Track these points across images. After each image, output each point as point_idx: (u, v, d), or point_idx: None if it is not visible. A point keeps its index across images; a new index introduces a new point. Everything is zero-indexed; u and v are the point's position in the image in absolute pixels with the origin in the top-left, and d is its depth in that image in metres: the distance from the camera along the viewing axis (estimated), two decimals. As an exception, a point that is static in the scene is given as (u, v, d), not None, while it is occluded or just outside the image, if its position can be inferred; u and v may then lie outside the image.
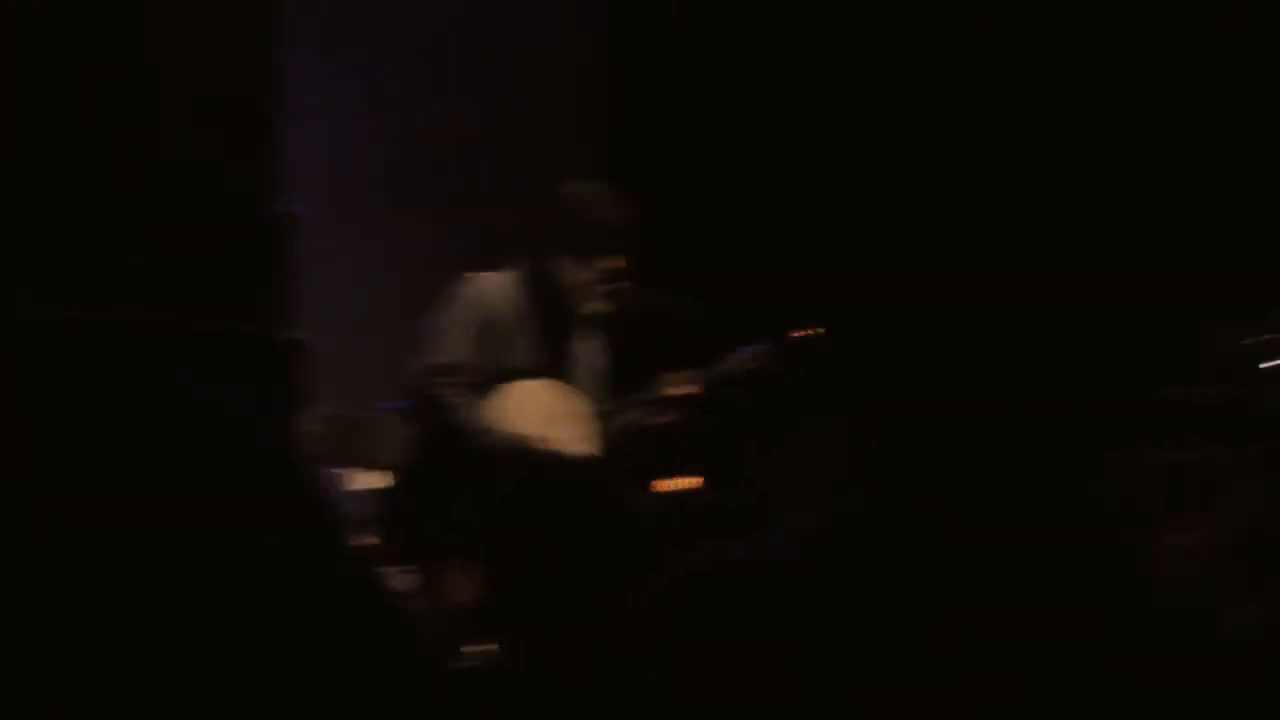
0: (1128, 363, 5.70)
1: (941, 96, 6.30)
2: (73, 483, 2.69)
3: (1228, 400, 5.20)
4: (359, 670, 2.47)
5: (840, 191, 6.38)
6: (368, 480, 5.53)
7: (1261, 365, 5.34)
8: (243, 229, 3.44)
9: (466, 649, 4.65)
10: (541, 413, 4.40)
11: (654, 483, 5.33)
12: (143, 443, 2.85)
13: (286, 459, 3.10)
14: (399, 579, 4.88)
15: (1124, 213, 6.06)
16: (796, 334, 4.58)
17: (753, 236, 6.44)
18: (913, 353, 6.14)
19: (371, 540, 4.60)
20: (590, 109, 6.90)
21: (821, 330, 4.57)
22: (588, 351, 4.61)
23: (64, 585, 2.50)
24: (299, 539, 2.92)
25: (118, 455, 2.80)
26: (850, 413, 5.32)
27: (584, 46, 7.03)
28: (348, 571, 2.85)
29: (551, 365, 4.47)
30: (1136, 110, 6.06)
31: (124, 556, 2.66)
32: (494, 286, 4.44)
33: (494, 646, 4.24)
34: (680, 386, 4.53)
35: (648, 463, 4.67)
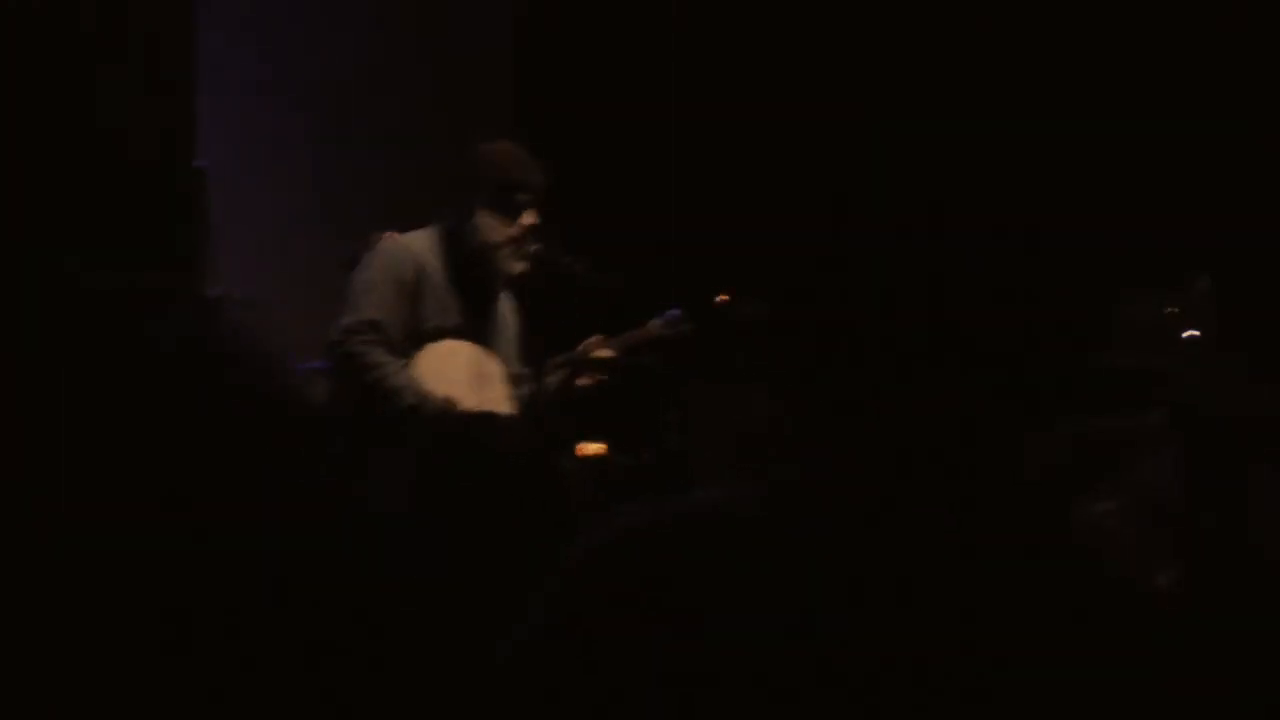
0: (1049, 330, 5.73)
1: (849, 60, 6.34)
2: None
3: (1144, 368, 5.23)
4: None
5: (774, 152, 6.38)
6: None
7: (1184, 335, 5.39)
8: (151, 185, 3.38)
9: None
10: (460, 374, 4.36)
11: (577, 447, 5.32)
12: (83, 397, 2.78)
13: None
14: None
15: (1048, 181, 6.09)
16: (718, 300, 4.56)
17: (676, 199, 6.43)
18: (842, 321, 6.14)
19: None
20: (497, 65, 6.86)
21: (728, 297, 4.55)
22: (504, 313, 4.58)
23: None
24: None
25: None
26: (776, 379, 5.31)
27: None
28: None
29: (470, 326, 4.43)
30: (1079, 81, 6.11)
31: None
32: (414, 245, 4.40)
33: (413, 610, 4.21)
34: (595, 351, 4.50)
35: (564, 427, 4.64)
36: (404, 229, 4.51)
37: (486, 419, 4.28)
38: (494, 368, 4.46)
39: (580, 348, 4.50)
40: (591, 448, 5.33)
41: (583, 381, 4.49)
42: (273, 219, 6.20)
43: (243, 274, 5.11)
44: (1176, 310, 5.45)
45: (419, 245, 4.39)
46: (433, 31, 6.79)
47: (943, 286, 6.05)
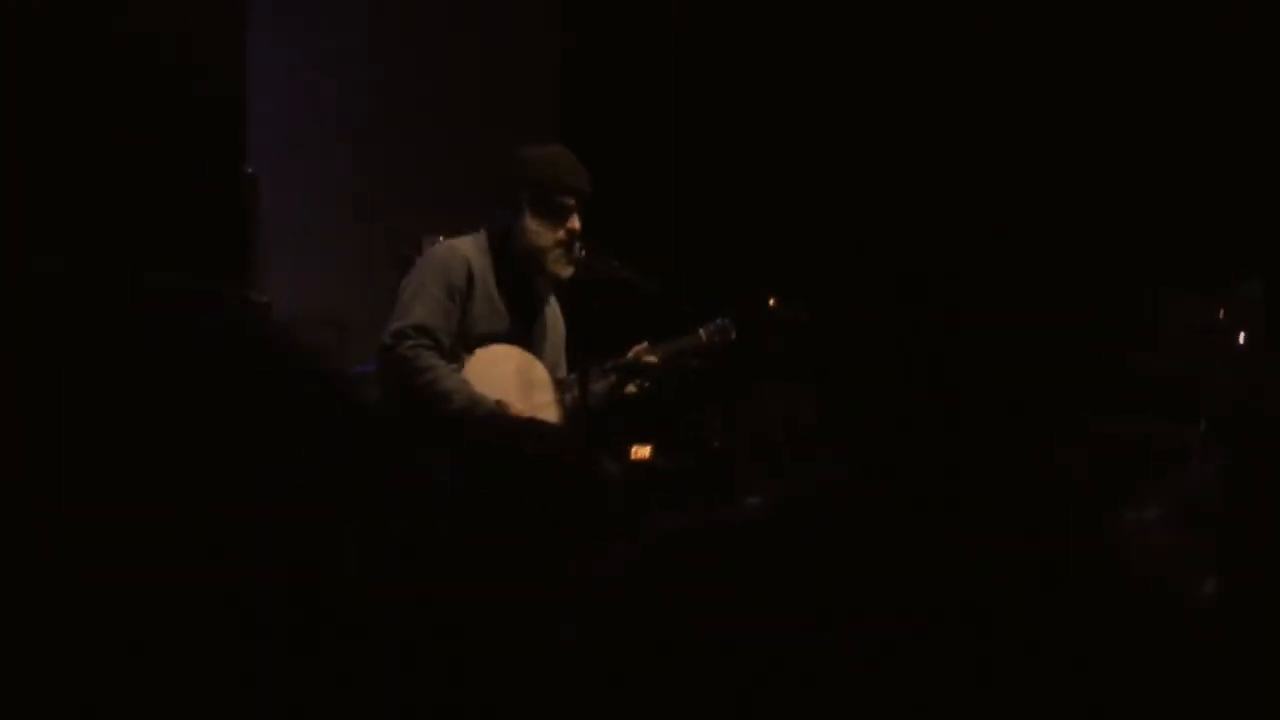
0: (1091, 334, 5.72)
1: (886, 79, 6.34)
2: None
3: (1189, 373, 5.22)
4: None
5: (806, 167, 6.40)
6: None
7: (1232, 338, 5.37)
8: (205, 192, 3.43)
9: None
10: (509, 379, 4.38)
11: (631, 450, 5.35)
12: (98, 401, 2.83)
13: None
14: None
15: (1091, 187, 6.08)
16: (766, 305, 4.59)
17: (716, 210, 6.47)
18: (882, 325, 6.16)
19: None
20: (545, 75, 6.89)
21: (775, 303, 4.57)
22: (551, 318, 4.60)
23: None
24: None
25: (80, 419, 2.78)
26: (819, 381, 5.34)
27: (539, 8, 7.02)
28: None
29: (518, 330, 4.46)
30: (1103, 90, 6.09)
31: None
32: (463, 249, 4.41)
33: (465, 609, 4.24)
34: (643, 357, 4.52)
35: (611, 433, 4.67)
36: (453, 233, 4.55)
37: (533, 426, 4.30)
38: (542, 373, 4.48)
39: (629, 354, 4.52)
40: (642, 451, 5.37)
41: (630, 388, 4.51)
42: (322, 224, 6.24)
43: (293, 279, 5.17)
44: (1224, 313, 5.44)
45: (468, 250, 4.41)
46: (480, 34, 6.82)
47: (979, 289, 6.04)
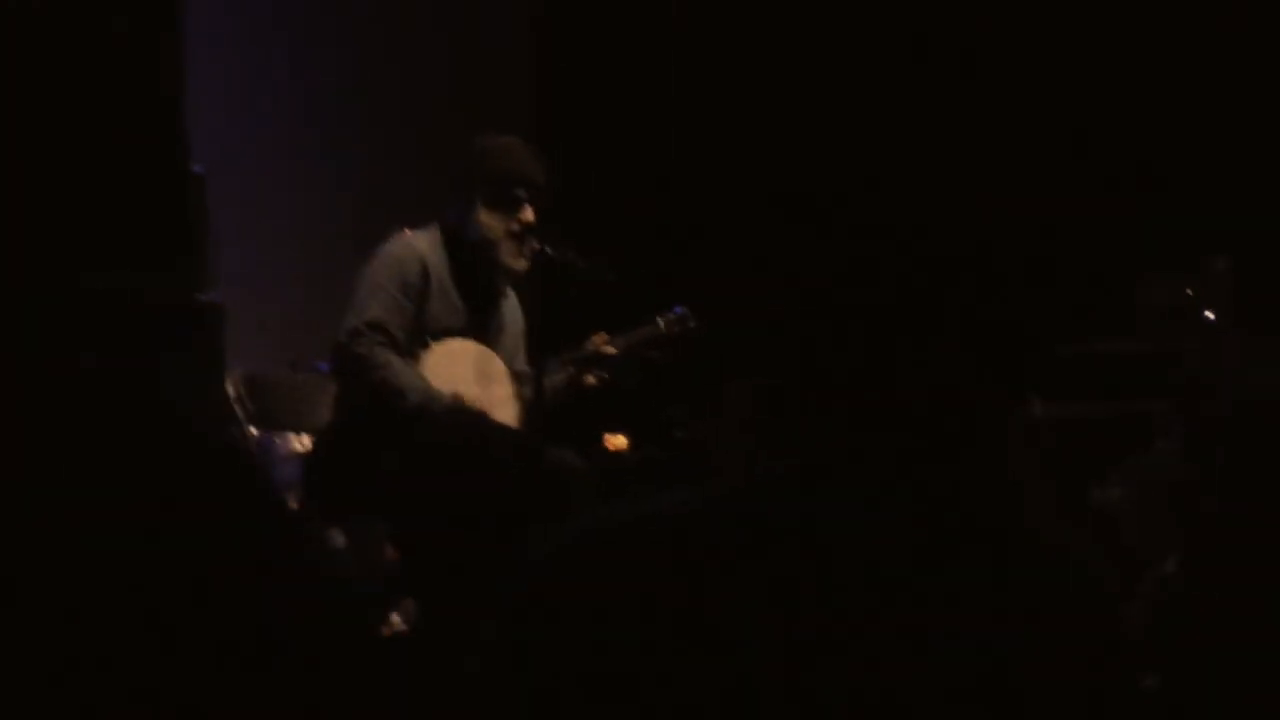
0: (1063, 314, 5.69)
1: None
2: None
3: (1159, 352, 5.20)
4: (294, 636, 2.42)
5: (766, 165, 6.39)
6: (292, 442, 5.48)
7: (1205, 315, 5.34)
8: (155, 190, 3.39)
9: (390, 611, 4.62)
10: (467, 372, 4.35)
11: (604, 439, 5.31)
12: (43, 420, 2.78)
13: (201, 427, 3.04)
14: (326, 540, 4.83)
15: (1064, 163, 6.05)
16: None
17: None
18: (844, 316, 6.12)
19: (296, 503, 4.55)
20: (514, 66, 6.86)
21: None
22: (508, 310, 4.56)
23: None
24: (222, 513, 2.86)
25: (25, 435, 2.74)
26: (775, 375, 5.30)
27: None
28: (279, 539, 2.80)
29: (474, 324, 4.42)
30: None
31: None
32: (418, 243, 4.36)
33: (412, 607, 4.21)
34: (600, 348, 4.48)
35: (570, 425, 4.62)
36: (408, 226, 4.50)
37: (488, 422, 4.26)
38: (499, 366, 4.44)
39: (587, 345, 4.48)
40: (616, 440, 5.34)
41: (589, 379, 4.47)
42: (275, 222, 6.21)
43: (246, 278, 5.13)
44: (1193, 293, 5.41)
45: (422, 244, 4.37)
46: (448, 29, 6.79)
47: (950, 269, 6.00)
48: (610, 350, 4.45)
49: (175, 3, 3.46)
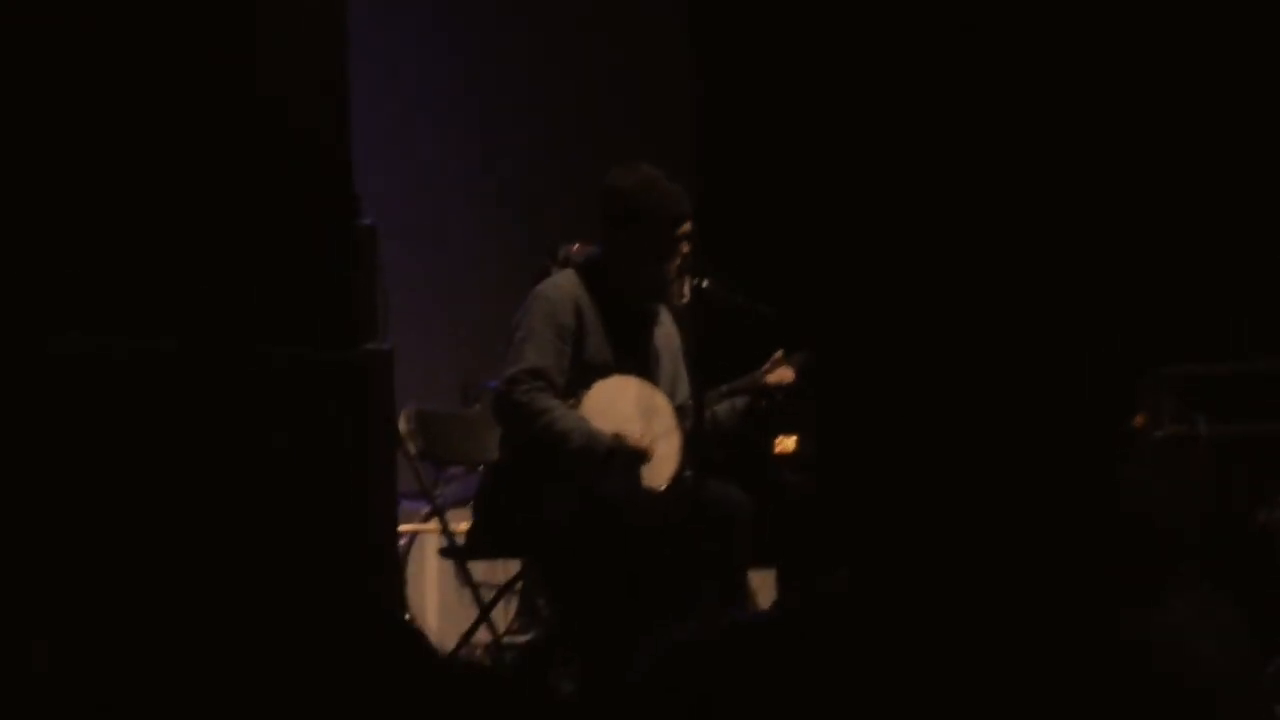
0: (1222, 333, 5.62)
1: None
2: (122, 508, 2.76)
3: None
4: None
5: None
6: (458, 474, 5.62)
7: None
8: (326, 246, 3.48)
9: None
10: (630, 408, 4.38)
11: (776, 443, 5.38)
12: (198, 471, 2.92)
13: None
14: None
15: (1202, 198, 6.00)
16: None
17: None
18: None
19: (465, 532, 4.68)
20: (669, 108, 6.91)
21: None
22: (663, 343, 4.57)
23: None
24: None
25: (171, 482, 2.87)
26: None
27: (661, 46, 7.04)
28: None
29: (630, 359, 4.45)
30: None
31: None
32: (567, 286, 4.41)
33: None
34: (777, 372, 4.50)
35: (732, 454, 4.68)
36: (588, 242, 4.58)
37: (635, 494, 4.31)
38: (661, 400, 4.48)
39: (766, 368, 4.51)
40: (787, 442, 5.40)
41: (768, 403, 4.51)
42: (441, 269, 6.34)
43: (415, 324, 5.24)
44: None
45: (572, 285, 4.41)
46: (609, 75, 6.86)
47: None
48: (786, 377, 4.48)
49: (343, 59, 3.54)
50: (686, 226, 4.40)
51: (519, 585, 5.09)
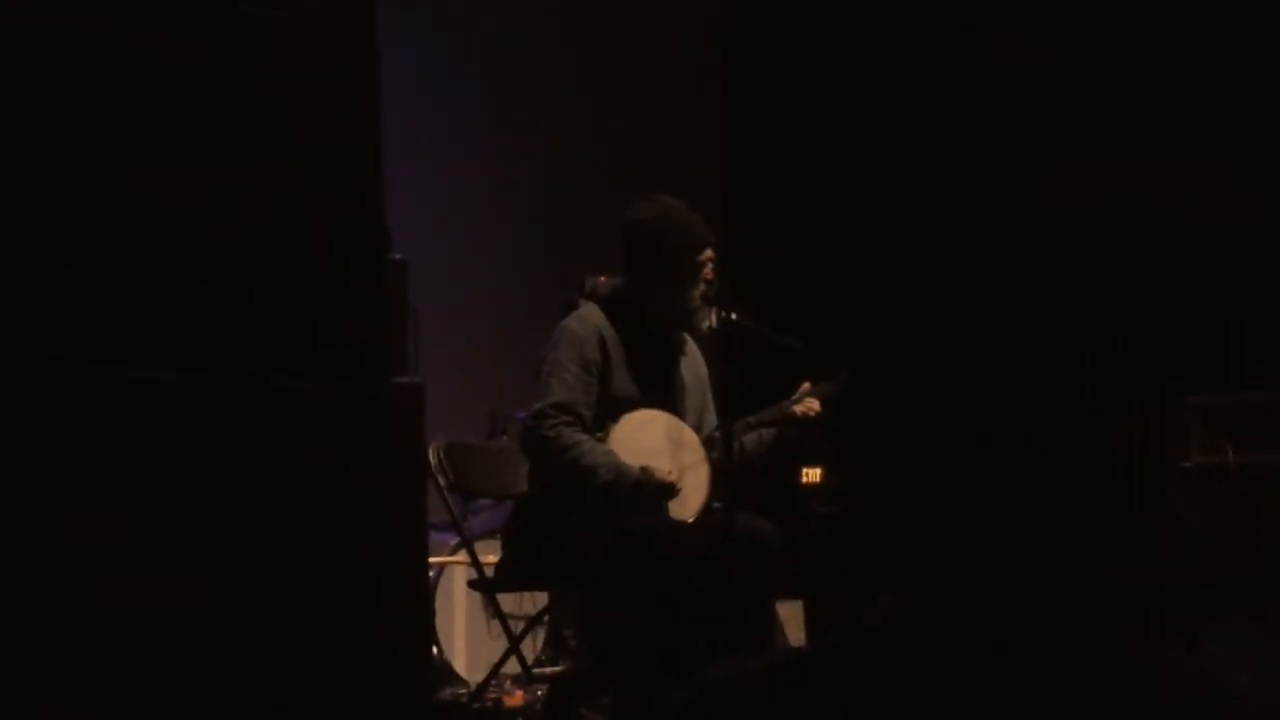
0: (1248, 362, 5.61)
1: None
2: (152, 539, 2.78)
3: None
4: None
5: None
6: (487, 505, 5.63)
7: None
8: (359, 281, 3.50)
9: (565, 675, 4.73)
10: (658, 441, 4.40)
11: (803, 472, 5.38)
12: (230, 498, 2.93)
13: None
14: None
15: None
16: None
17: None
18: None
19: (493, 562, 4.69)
20: (697, 141, 6.93)
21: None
22: (686, 366, 4.60)
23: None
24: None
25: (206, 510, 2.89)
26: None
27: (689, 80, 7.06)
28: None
29: (655, 389, 4.47)
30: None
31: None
32: (592, 320, 4.43)
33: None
34: (806, 401, 4.52)
35: (771, 482, 4.69)
36: (615, 273, 4.57)
37: (665, 526, 4.31)
38: (689, 434, 4.50)
39: (796, 398, 4.52)
40: (813, 473, 5.40)
41: (796, 432, 4.52)
42: (469, 303, 6.37)
43: (444, 357, 5.27)
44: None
45: (597, 319, 4.43)
46: (640, 106, 6.88)
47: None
48: (814, 408, 4.49)
49: (376, 94, 3.56)
50: (708, 253, 4.44)
51: (547, 617, 5.10)
